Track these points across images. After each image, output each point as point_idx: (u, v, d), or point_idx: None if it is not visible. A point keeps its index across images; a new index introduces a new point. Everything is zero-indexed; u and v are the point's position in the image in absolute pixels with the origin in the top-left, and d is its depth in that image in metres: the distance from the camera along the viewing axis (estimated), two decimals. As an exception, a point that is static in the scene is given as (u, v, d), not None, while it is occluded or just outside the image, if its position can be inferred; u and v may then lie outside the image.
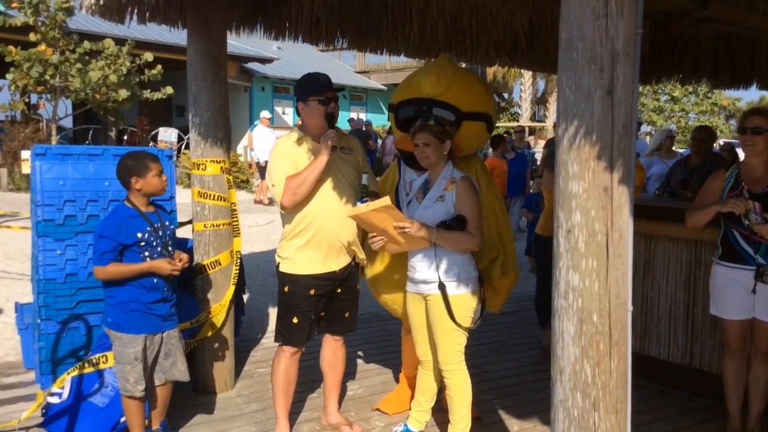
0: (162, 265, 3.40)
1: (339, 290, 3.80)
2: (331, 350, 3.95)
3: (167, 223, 3.59)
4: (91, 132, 17.72)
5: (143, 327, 3.43)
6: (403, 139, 3.86)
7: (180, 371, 3.62)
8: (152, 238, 3.43)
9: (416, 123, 3.56)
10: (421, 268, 3.49)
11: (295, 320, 3.68)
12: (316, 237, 3.61)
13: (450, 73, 3.92)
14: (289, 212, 3.62)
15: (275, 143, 3.79)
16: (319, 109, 3.61)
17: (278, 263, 3.75)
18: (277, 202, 3.60)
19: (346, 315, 3.90)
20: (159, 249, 3.46)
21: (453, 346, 3.51)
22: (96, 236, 3.38)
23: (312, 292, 3.66)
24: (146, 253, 3.41)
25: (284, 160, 3.61)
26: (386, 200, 3.23)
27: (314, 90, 3.65)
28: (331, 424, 3.97)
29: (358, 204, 3.45)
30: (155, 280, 3.43)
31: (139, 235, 3.37)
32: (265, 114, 15.51)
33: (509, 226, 4.06)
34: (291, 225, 3.64)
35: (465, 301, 3.47)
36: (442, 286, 3.42)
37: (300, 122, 3.81)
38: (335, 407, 4.01)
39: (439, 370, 3.64)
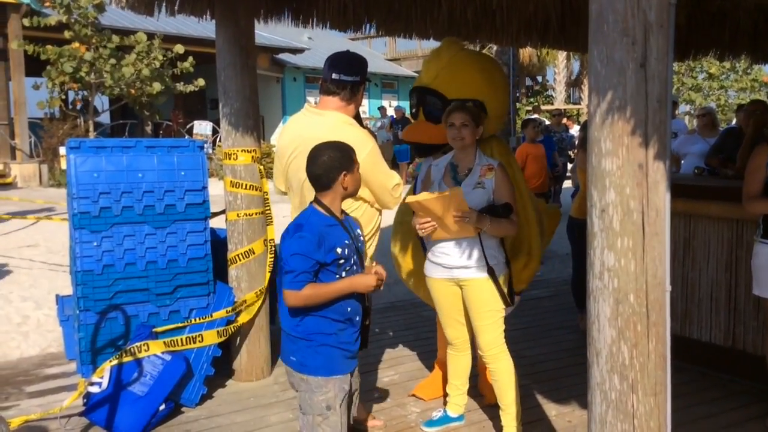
0: (365, 280, 2.72)
1: None
2: None
3: (357, 231, 2.92)
4: (127, 126, 18.04)
5: (335, 367, 2.74)
6: (410, 129, 3.96)
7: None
8: (351, 252, 2.75)
9: (450, 106, 3.56)
10: (458, 253, 3.45)
11: None
12: None
13: (443, 60, 3.88)
14: (372, 209, 3.44)
15: (365, 135, 3.34)
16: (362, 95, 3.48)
17: None
18: (397, 201, 3.43)
19: None
20: (356, 267, 2.79)
21: (496, 328, 3.51)
22: (286, 254, 2.67)
23: None
24: (344, 273, 2.73)
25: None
26: (459, 189, 3.26)
27: (366, 74, 3.44)
28: (355, 419, 3.86)
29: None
30: (348, 309, 2.74)
31: (339, 250, 2.68)
32: None
33: (531, 208, 3.99)
34: (373, 221, 3.48)
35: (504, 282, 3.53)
36: (491, 271, 3.42)
37: (350, 104, 3.37)
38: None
39: (472, 348, 3.66)
